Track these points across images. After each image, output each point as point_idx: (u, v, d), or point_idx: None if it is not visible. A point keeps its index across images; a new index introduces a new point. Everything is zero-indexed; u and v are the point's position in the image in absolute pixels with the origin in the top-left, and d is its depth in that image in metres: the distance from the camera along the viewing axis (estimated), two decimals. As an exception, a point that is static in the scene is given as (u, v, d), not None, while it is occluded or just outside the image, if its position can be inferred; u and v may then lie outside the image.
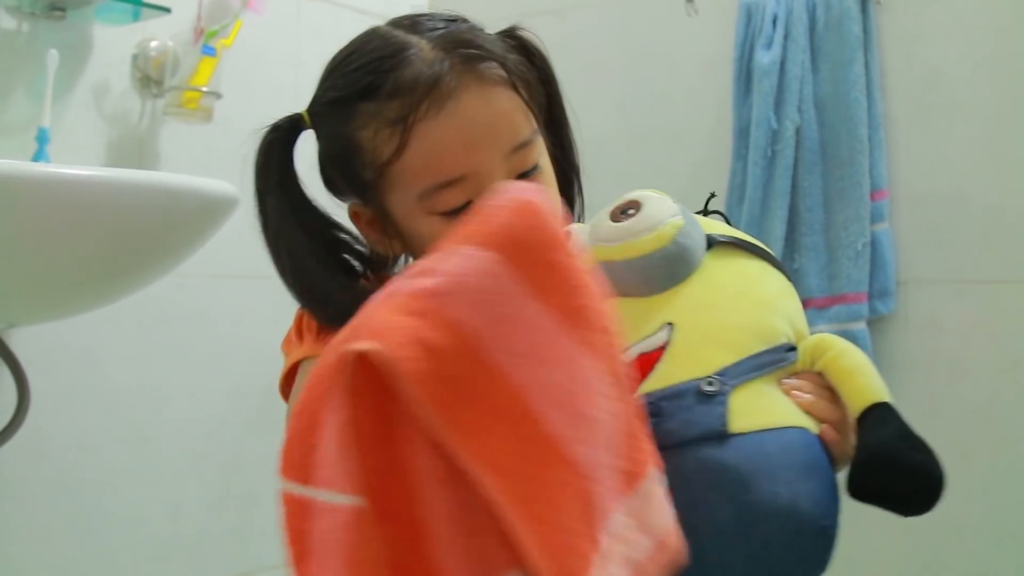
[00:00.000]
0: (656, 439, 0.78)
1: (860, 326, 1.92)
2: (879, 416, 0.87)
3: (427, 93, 0.94)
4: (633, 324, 0.88)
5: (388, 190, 0.99)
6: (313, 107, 1.03)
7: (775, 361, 0.88)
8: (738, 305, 0.90)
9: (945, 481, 0.84)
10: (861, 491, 0.83)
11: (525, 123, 1.01)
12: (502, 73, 0.99)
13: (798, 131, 1.98)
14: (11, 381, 1.68)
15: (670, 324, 0.88)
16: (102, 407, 1.88)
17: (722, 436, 0.81)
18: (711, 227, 0.97)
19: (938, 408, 1.91)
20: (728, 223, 1.02)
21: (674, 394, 0.83)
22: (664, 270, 0.90)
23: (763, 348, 0.87)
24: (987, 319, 1.88)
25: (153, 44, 1.92)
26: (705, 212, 1.03)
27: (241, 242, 1.65)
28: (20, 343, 1.70)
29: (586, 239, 0.93)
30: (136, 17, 1.85)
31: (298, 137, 1.04)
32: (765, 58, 2.01)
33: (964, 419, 1.89)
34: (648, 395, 0.83)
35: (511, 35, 1.07)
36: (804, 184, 1.98)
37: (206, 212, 1.43)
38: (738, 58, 2.08)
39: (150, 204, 1.32)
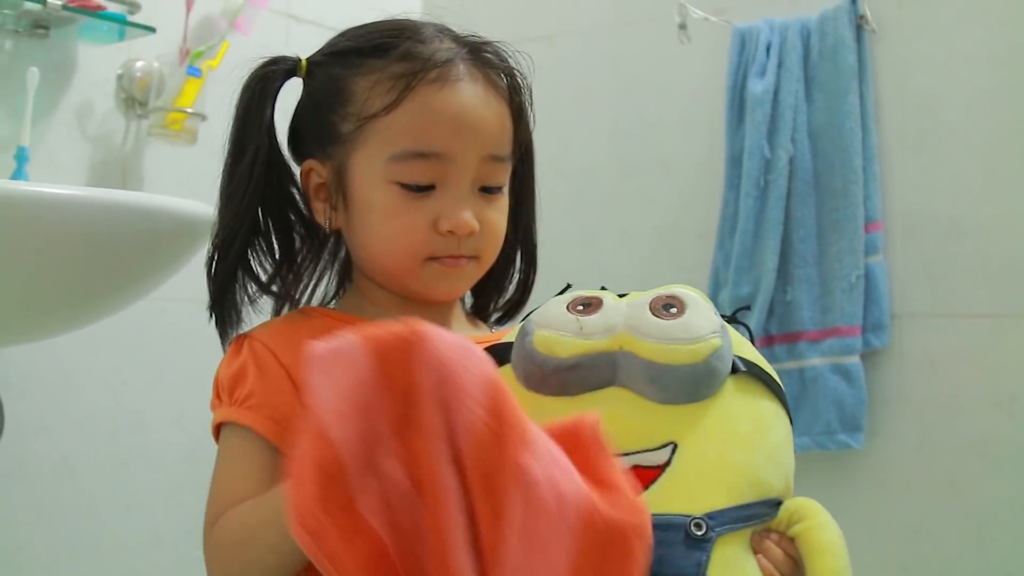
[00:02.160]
0: None
1: (854, 360, 1.89)
2: None
3: (437, 66, 0.98)
4: (637, 430, 0.86)
5: (360, 146, 1.00)
6: (315, 56, 1.08)
7: (761, 515, 0.86)
8: (744, 447, 0.87)
9: None
10: None
11: (506, 141, 1.04)
12: (504, 86, 1.04)
13: (791, 161, 1.96)
14: (-15, 405, 1.65)
15: (674, 444, 0.85)
16: (80, 431, 1.85)
17: None
18: (738, 347, 0.94)
19: (932, 443, 1.89)
20: (751, 338, 1.00)
21: (663, 525, 0.79)
22: (688, 387, 0.87)
23: (754, 499, 0.86)
24: (982, 353, 1.86)
25: (138, 64, 1.90)
26: (731, 319, 0.99)
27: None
28: (-5, 366, 1.68)
29: (621, 320, 0.90)
30: (121, 37, 1.83)
31: (283, 86, 1.07)
32: (759, 87, 1.99)
33: (958, 454, 1.87)
34: None
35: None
36: (797, 215, 1.96)
37: (185, 234, 1.41)
38: (731, 86, 2.06)
39: (127, 225, 1.29)
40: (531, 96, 1.10)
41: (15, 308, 1.31)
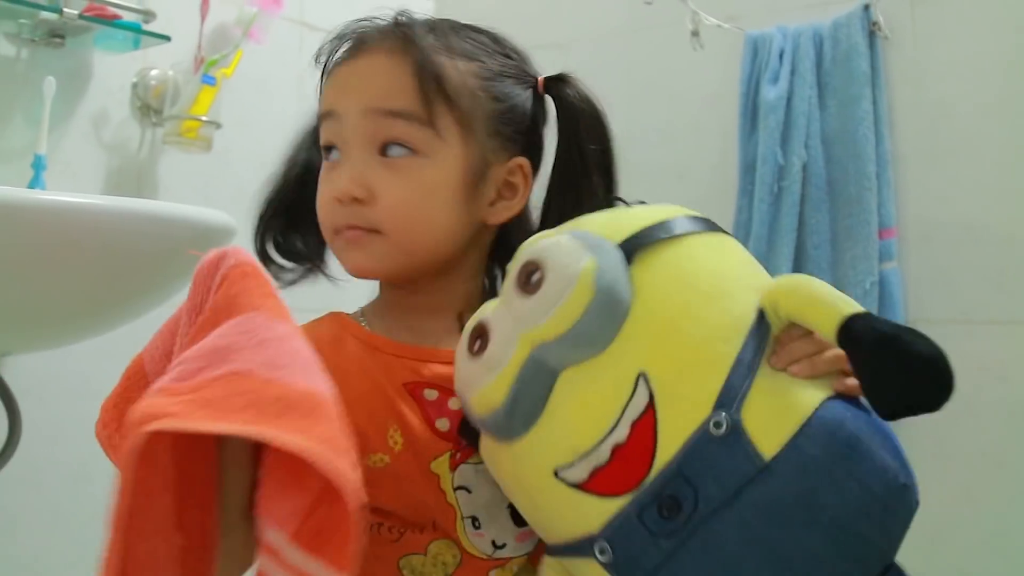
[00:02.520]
0: (700, 509, 0.76)
1: (868, 366, 1.89)
2: (858, 328, 0.78)
3: (345, 39, 1.04)
4: (608, 390, 0.81)
5: None
6: None
7: (758, 347, 0.80)
8: (695, 312, 0.82)
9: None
10: (885, 403, 0.79)
11: (404, 98, 0.98)
12: (414, 50, 1.00)
13: (805, 167, 1.96)
14: (2, 411, 1.65)
15: (642, 374, 0.80)
16: (95, 439, 1.85)
17: (762, 470, 0.75)
18: (623, 221, 0.87)
19: (947, 450, 1.88)
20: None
21: (690, 456, 0.76)
22: (603, 323, 0.81)
23: (742, 340, 0.80)
24: (997, 360, 1.85)
25: (153, 73, 1.91)
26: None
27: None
28: (12, 372, 1.68)
29: (511, 326, 0.85)
30: (136, 45, 1.84)
31: None
32: (771, 93, 1.99)
33: (973, 461, 1.86)
34: (667, 467, 0.78)
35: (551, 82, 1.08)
36: (811, 221, 1.95)
37: (202, 242, 1.41)
38: (744, 93, 2.06)
39: (145, 233, 1.29)
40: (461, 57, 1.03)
41: (33, 316, 1.32)
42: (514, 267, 0.87)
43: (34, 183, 1.65)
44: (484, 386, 0.85)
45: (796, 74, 1.99)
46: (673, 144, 2.22)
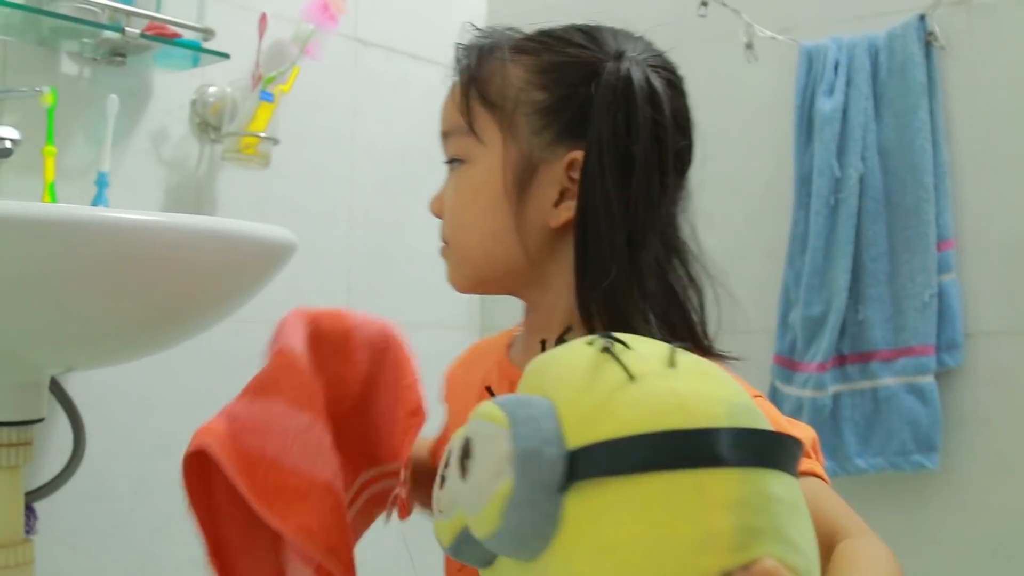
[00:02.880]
0: None
1: (928, 379, 1.87)
2: None
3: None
4: None
5: None
6: None
7: None
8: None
9: None
10: None
11: (454, 115, 1.02)
12: (466, 67, 1.02)
13: (861, 179, 1.95)
14: (68, 425, 1.67)
15: None
16: (156, 452, 1.87)
17: None
18: (613, 408, 0.67)
19: (1009, 463, 1.86)
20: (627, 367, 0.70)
21: None
22: (517, 549, 0.68)
23: None
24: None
25: (211, 90, 1.93)
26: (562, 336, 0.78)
27: (297, 288, 1.65)
28: (76, 387, 1.70)
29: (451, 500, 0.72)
30: (195, 63, 1.86)
31: None
32: (827, 105, 1.98)
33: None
34: None
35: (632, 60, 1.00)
36: (868, 233, 1.94)
37: (264, 258, 1.42)
38: (799, 105, 2.05)
39: (208, 249, 1.30)
40: (502, 53, 1.01)
41: (96, 332, 1.33)
42: (460, 434, 0.74)
43: (97, 200, 1.67)
44: (438, 519, 0.75)
45: (852, 85, 1.98)
46: (727, 157, 2.22)
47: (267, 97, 1.91)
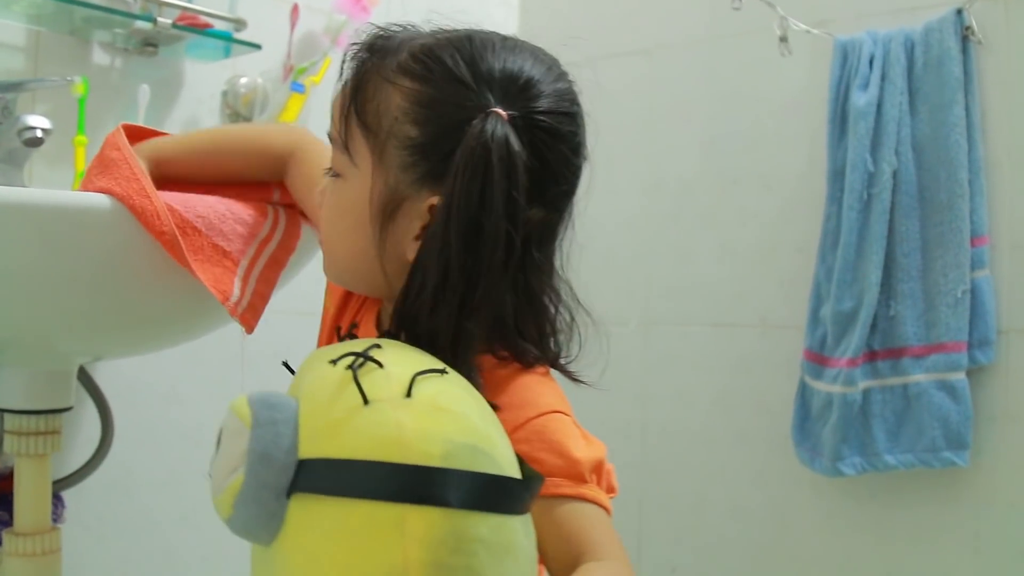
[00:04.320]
0: None
1: (959, 376, 1.85)
2: None
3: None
4: None
5: None
6: None
7: None
8: None
9: None
10: None
11: (335, 124, 1.04)
12: (354, 75, 1.03)
13: (895, 174, 1.93)
14: (95, 415, 1.68)
15: None
16: (184, 443, 1.87)
17: None
18: (356, 424, 0.72)
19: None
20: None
21: None
22: (245, 537, 0.75)
23: None
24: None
25: (243, 81, 1.93)
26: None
27: (324, 279, 1.65)
28: (105, 377, 1.71)
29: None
30: (227, 54, 1.86)
31: None
32: (861, 99, 1.96)
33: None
34: None
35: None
36: (901, 229, 1.92)
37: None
38: (833, 99, 2.03)
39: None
40: (380, 61, 1.02)
41: (125, 321, 1.34)
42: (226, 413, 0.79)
43: (128, 190, 1.68)
44: (216, 491, 0.78)
45: (887, 80, 1.96)
46: (759, 152, 2.20)
47: (298, 88, 1.91)
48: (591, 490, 0.94)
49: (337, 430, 0.73)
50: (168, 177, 1.30)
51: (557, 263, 1.06)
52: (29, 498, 1.42)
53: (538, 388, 1.00)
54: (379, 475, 0.70)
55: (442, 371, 0.78)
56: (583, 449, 0.95)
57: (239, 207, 1.26)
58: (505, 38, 1.03)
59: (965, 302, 1.86)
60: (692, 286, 2.28)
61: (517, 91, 0.97)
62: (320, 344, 1.11)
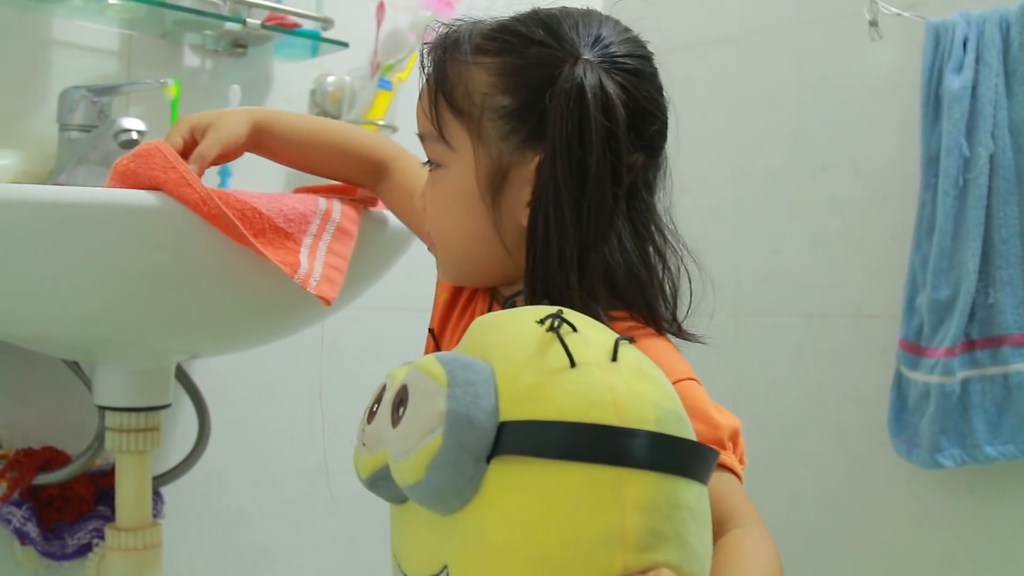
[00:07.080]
0: None
1: (1062, 365, 1.81)
2: None
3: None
4: (423, 553, 0.76)
5: None
6: None
7: None
8: (509, 559, 0.69)
9: None
10: None
11: (424, 120, 1.07)
12: (434, 69, 1.06)
13: (992, 158, 1.88)
14: (192, 412, 1.70)
15: (446, 568, 0.73)
16: (278, 439, 1.89)
17: None
18: (550, 391, 0.70)
19: None
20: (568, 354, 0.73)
21: None
22: (435, 502, 0.72)
23: None
24: None
25: (330, 79, 1.94)
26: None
27: (413, 274, 1.65)
28: (201, 375, 1.73)
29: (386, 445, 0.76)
30: (314, 53, 1.87)
31: None
32: (956, 82, 1.92)
33: None
34: None
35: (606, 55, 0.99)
36: (999, 214, 1.87)
37: (383, 245, 1.43)
38: (926, 83, 1.99)
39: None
40: (460, 51, 1.04)
41: (221, 319, 1.35)
42: (396, 382, 0.78)
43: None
44: (360, 452, 0.82)
45: (981, 62, 1.91)
46: (850, 138, 2.17)
47: (385, 85, 1.92)
48: (729, 457, 0.94)
49: (543, 391, 0.70)
50: (264, 147, 1.33)
51: (664, 217, 1.06)
52: (130, 494, 1.45)
53: (668, 354, 0.99)
54: (596, 437, 0.68)
55: (631, 338, 0.77)
56: (724, 415, 0.96)
57: (287, 195, 1.27)
58: (565, 6, 1.06)
59: (1066, 289, 1.82)
60: (782, 276, 2.25)
61: (593, 42, 0.99)
62: (428, 346, 1.10)
